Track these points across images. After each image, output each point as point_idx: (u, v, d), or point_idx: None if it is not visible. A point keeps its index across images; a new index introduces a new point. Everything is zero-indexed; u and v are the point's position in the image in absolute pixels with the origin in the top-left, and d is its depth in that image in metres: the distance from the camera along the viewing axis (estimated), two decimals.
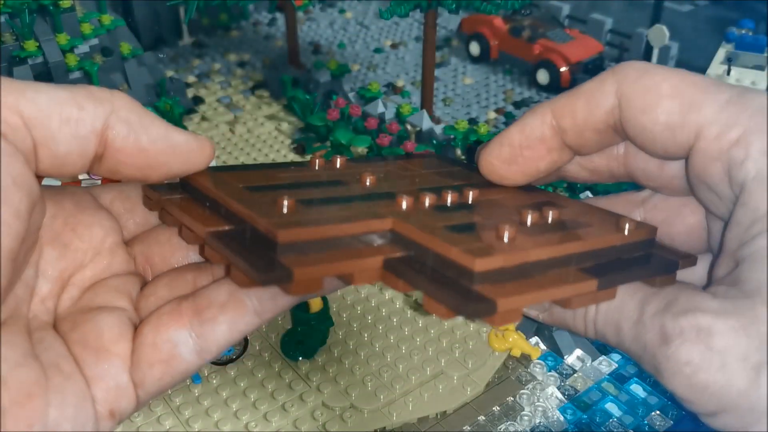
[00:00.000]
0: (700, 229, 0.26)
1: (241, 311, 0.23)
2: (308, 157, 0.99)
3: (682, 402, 0.20)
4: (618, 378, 0.68)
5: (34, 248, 0.22)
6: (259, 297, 0.23)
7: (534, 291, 0.21)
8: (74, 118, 0.21)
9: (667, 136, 0.23)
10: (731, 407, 0.19)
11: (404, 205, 0.24)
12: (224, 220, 0.23)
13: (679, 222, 0.26)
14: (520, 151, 0.26)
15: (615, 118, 0.24)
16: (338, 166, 0.29)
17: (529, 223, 0.24)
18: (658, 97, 0.23)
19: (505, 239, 0.21)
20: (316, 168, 0.28)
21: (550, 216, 0.24)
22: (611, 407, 0.65)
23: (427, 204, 0.24)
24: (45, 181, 0.23)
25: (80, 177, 0.63)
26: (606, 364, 0.69)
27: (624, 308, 0.22)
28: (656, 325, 0.21)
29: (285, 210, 0.22)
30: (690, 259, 0.24)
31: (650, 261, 0.24)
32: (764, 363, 0.19)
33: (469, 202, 0.26)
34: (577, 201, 0.28)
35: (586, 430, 0.63)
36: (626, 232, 0.24)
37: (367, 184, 0.27)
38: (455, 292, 0.20)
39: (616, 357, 0.70)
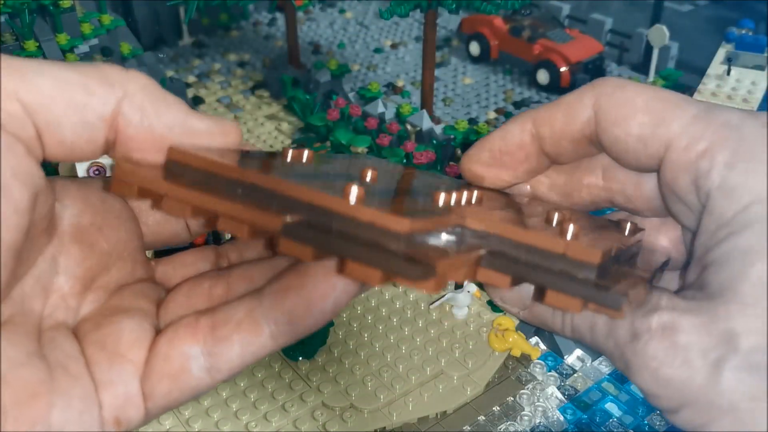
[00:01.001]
0: (678, 245, 0.27)
1: (257, 333, 0.22)
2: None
3: (648, 398, 0.22)
4: (618, 378, 0.68)
5: (45, 241, 0.21)
6: (276, 321, 0.21)
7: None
8: (81, 104, 0.20)
9: (639, 148, 0.24)
10: (692, 402, 0.21)
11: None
12: (278, 211, 0.20)
13: (659, 240, 0.28)
14: (499, 156, 0.27)
15: (591, 129, 0.25)
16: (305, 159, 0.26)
17: (473, 201, 0.24)
18: (631, 111, 0.24)
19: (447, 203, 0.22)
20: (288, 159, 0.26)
21: (503, 200, 0.25)
22: (611, 407, 0.65)
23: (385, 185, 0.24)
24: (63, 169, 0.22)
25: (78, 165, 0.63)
26: (606, 364, 0.69)
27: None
28: (627, 323, 0.22)
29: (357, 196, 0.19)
30: (641, 294, 0.24)
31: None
32: (723, 359, 0.20)
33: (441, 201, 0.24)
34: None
35: (586, 430, 0.63)
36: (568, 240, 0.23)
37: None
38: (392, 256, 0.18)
39: None
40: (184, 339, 0.22)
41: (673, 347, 0.21)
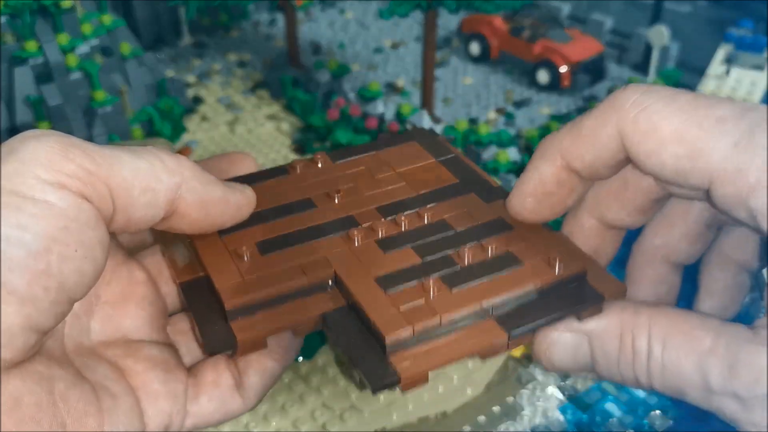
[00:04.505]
0: (696, 236, 0.27)
1: (264, 360, 0.27)
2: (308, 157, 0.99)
3: None
4: None
5: None
6: (275, 348, 0.27)
7: (439, 357, 0.23)
8: (152, 189, 0.23)
9: (679, 179, 0.23)
10: None
11: (356, 242, 0.26)
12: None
13: (679, 225, 0.27)
14: (544, 198, 0.27)
15: (623, 155, 0.24)
16: (319, 166, 0.32)
17: (467, 262, 0.26)
18: (661, 143, 0.22)
19: (431, 295, 0.24)
20: (297, 171, 0.32)
21: (490, 251, 0.26)
22: (611, 407, 0.65)
23: (380, 234, 0.27)
24: None
25: None
26: None
27: (683, 373, 0.22)
28: (729, 393, 0.21)
29: (246, 259, 0.26)
30: (620, 290, 0.25)
31: (578, 295, 0.25)
32: None
33: (425, 222, 0.28)
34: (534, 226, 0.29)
35: (586, 430, 0.63)
36: (557, 270, 0.25)
37: (336, 202, 0.29)
38: (370, 358, 0.23)
39: None
40: (223, 370, 0.27)
41: None
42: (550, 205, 0.27)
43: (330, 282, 0.26)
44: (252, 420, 0.62)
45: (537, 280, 0.25)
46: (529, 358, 0.68)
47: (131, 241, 0.29)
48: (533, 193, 0.27)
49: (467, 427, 0.63)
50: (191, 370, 0.27)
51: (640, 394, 0.66)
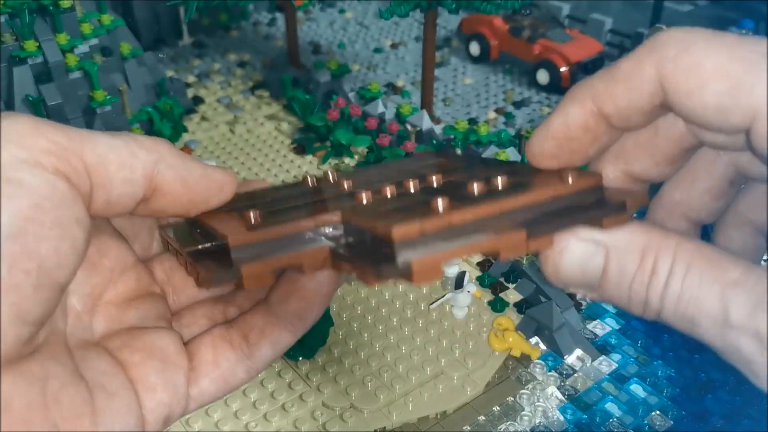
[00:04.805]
0: (719, 192, 0.26)
1: (278, 333, 0.27)
2: (308, 159, 0.99)
3: None
4: (618, 378, 0.68)
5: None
6: (289, 320, 0.27)
7: (451, 248, 0.21)
8: (129, 165, 0.23)
9: (719, 119, 0.22)
10: None
11: (363, 199, 0.25)
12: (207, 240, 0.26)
13: (703, 178, 0.26)
14: (566, 143, 0.25)
15: (660, 100, 0.23)
16: (330, 180, 0.31)
17: (475, 192, 0.24)
18: (703, 80, 0.21)
19: (439, 209, 0.22)
20: (309, 185, 0.31)
21: (499, 183, 0.24)
22: (611, 407, 0.65)
23: (388, 194, 0.26)
24: None
25: None
26: (606, 364, 0.69)
27: (701, 302, 0.21)
28: (750, 331, 0.20)
29: (252, 221, 0.25)
30: (641, 199, 0.24)
31: (597, 207, 0.24)
32: None
33: (434, 186, 0.27)
34: (535, 168, 0.28)
35: (586, 430, 0.63)
36: (570, 182, 0.24)
37: (345, 187, 0.28)
38: (380, 260, 0.21)
39: (616, 357, 0.70)
40: (224, 348, 0.26)
41: None
42: (571, 150, 0.25)
43: (337, 226, 0.25)
44: (252, 420, 0.62)
45: (551, 191, 0.24)
46: (529, 359, 0.68)
47: (142, 250, 0.29)
48: (555, 136, 0.25)
49: (467, 427, 0.63)
50: (188, 347, 0.26)
51: (641, 394, 0.66)
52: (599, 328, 0.73)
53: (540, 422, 0.63)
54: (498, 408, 0.64)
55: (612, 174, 0.27)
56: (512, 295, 0.75)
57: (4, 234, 0.19)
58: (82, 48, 0.92)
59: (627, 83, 0.23)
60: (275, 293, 0.27)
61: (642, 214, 0.28)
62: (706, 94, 0.21)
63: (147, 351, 0.25)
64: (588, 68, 1.09)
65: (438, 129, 0.95)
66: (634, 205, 0.24)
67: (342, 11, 1.42)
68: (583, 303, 0.76)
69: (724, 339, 0.21)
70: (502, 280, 0.77)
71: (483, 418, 0.63)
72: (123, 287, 0.26)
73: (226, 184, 0.26)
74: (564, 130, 0.25)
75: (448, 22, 1.34)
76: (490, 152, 0.90)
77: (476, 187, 0.24)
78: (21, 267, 0.19)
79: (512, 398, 0.65)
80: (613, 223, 0.23)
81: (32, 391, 0.20)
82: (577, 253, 0.23)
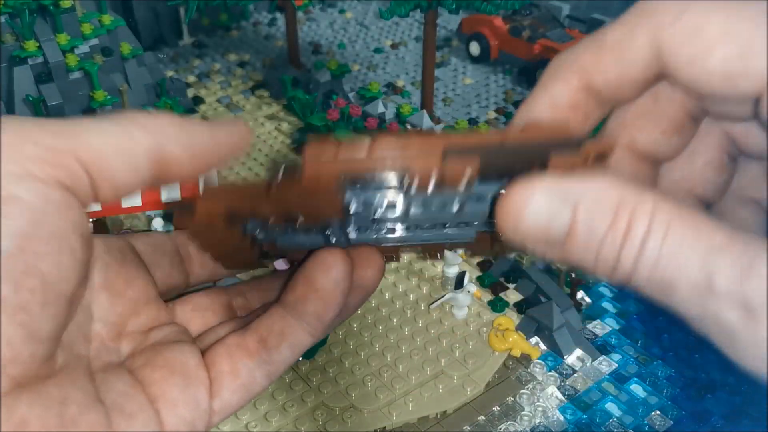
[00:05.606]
0: (719, 165, 0.24)
1: (297, 336, 0.26)
2: None
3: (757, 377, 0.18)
4: (618, 378, 0.68)
5: (83, 291, 0.23)
6: (307, 322, 0.26)
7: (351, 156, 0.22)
8: (128, 150, 0.22)
9: (726, 87, 0.20)
10: None
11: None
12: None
13: (702, 152, 0.25)
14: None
15: (657, 69, 0.21)
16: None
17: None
18: (707, 44, 0.19)
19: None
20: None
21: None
22: (611, 407, 0.65)
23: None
24: None
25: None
26: (606, 364, 0.69)
27: (681, 266, 0.19)
28: (735, 299, 0.18)
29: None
30: (609, 143, 0.22)
31: (553, 144, 0.21)
32: None
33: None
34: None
35: (586, 430, 0.63)
36: (536, 133, 0.22)
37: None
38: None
39: (616, 357, 0.70)
40: (242, 356, 0.25)
41: None
42: None
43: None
44: (252, 420, 0.62)
45: (499, 136, 0.21)
46: (529, 359, 0.68)
47: (164, 277, 0.29)
48: (540, 118, 0.23)
49: (467, 427, 0.63)
50: (205, 358, 0.26)
51: (641, 394, 0.66)
52: (599, 328, 0.73)
53: (540, 422, 0.63)
54: (498, 408, 0.64)
55: (615, 153, 0.24)
56: (512, 295, 0.75)
57: (5, 254, 0.19)
58: (83, 48, 0.92)
59: (617, 53, 0.21)
60: (292, 294, 0.26)
61: None
62: (710, 60, 0.19)
63: (168, 367, 0.24)
64: None
65: (438, 129, 0.96)
66: (600, 149, 0.21)
67: (342, 11, 1.42)
68: (583, 303, 0.76)
69: (704, 307, 0.18)
70: (502, 280, 0.77)
71: (483, 418, 0.63)
72: (146, 318, 0.26)
73: (239, 140, 0.25)
74: (550, 110, 0.23)
75: (448, 22, 1.34)
76: None
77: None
78: (26, 286, 0.19)
79: (512, 398, 0.65)
80: (562, 164, 0.20)
81: (49, 414, 0.20)
82: (541, 205, 0.20)
